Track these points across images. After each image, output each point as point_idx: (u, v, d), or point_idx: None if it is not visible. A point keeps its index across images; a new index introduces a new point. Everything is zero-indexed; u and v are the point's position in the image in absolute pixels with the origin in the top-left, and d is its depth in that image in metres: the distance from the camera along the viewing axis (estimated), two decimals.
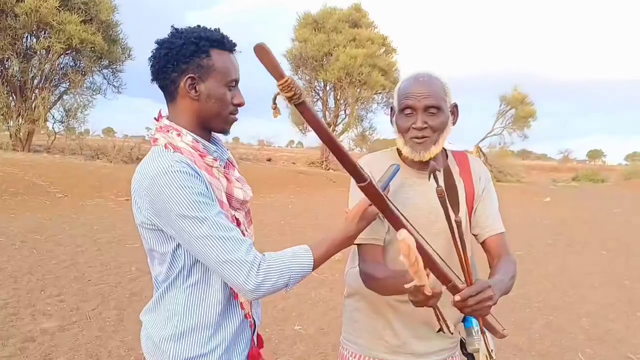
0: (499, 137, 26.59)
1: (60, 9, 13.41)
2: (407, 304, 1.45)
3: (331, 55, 20.11)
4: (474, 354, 1.54)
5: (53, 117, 15.41)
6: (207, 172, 1.20)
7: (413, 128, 1.42)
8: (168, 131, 1.21)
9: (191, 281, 1.22)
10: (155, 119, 1.27)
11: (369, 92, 20.28)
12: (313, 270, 1.21)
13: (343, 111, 21.64)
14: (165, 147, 1.19)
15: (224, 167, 1.32)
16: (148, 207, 1.15)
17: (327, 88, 21.53)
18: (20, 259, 5.26)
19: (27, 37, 14.00)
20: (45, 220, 7.39)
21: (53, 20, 13.22)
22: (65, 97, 15.48)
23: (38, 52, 13.99)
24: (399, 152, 1.53)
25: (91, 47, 14.18)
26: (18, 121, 14.03)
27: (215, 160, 1.23)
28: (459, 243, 1.13)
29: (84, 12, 14.03)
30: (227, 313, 1.26)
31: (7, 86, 13.93)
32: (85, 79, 15.14)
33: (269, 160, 20.79)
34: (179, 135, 1.20)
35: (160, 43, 1.22)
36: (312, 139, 24.25)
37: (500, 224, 1.53)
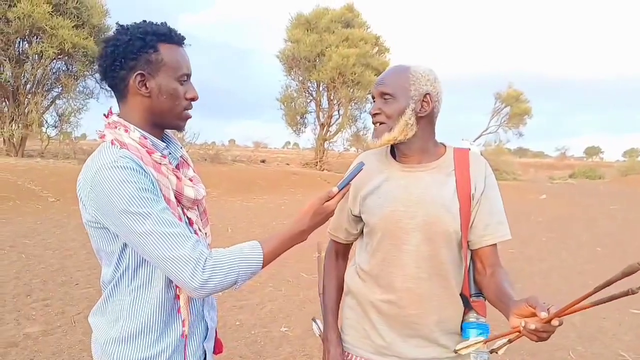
0: (495, 135, 26.66)
1: (53, 13, 13.36)
2: (388, 305, 1.43)
3: (324, 55, 20.03)
4: None
5: (46, 122, 15.35)
6: (154, 169, 1.16)
7: (370, 114, 1.47)
8: (116, 127, 1.18)
9: (136, 283, 1.19)
10: (104, 115, 1.24)
11: (363, 92, 20.18)
12: (264, 266, 1.18)
13: (337, 111, 21.56)
14: (112, 143, 1.16)
15: (178, 166, 1.29)
16: (93, 204, 1.12)
17: (320, 88, 21.44)
18: (7, 264, 5.21)
19: (19, 42, 13.93)
20: (36, 225, 7.35)
21: (46, 25, 13.17)
22: (58, 101, 15.41)
23: (31, 57, 13.91)
24: (392, 148, 1.52)
25: (83, 52, 14.12)
26: (11, 126, 13.97)
27: (164, 157, 1.20)
28: None
29: (76, 17, 13.98)
30: (173, 317, 1.23)
31: (0, 91, 13.88)
32: (77, 84, 15.09)
33: (263, 161, 20.71)
34: (126, 131, 1.17)
35: (107, 41, 1.19)
36: (307, 140, 24.21)
37: (503, 232, 1.44)
